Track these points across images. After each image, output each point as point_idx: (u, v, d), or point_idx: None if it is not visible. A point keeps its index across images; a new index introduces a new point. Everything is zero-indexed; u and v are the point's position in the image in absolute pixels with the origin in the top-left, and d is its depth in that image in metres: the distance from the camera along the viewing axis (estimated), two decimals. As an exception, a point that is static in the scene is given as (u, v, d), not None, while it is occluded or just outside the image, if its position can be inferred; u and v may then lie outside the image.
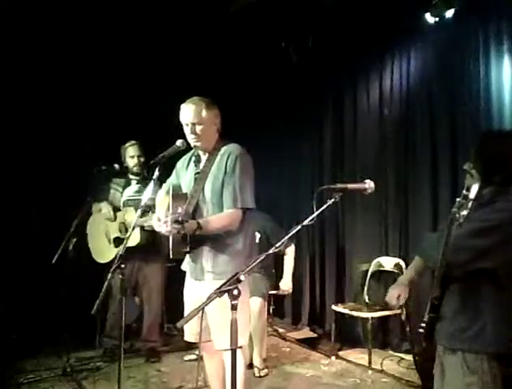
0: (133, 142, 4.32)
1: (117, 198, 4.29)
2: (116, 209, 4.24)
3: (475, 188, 1.84)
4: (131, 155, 4.29)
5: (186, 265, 2.74)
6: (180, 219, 2.33)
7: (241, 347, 2.53)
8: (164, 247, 4.19)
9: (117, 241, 4.16)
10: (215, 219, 2.55)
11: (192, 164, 2.72)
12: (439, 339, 1.99)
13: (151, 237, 4.03)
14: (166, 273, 4.37)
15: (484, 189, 1.93)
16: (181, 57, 5.01)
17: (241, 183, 2.54)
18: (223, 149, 2.62)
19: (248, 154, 2.64)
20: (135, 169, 4.30)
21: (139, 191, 4.25)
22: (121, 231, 4.18)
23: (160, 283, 4.35)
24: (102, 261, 4.19)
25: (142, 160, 4.28)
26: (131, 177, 4.34)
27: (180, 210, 2.38)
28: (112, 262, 4.05)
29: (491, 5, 3.75)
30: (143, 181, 4.28)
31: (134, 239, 3.91)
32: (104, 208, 4.23)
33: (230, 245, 2.56)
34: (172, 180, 2.83)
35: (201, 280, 2.61)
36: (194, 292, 2.66)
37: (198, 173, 2.66)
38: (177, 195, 2.60)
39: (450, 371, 1.94)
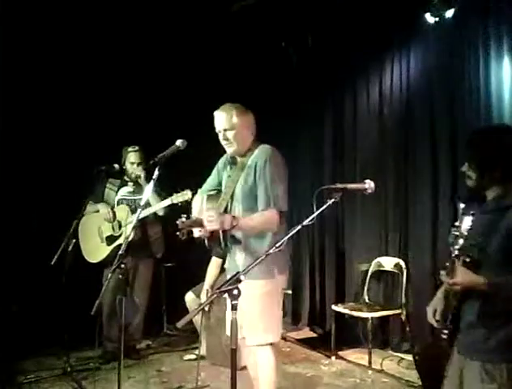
0: (136, 148, 4.32)
1: (112, 198, 4.32)
2: (111, 208, 4.27)
3: (467, 220, 1.82)
4: (132, 161, 4.30)
5: (226, 264, 2.80)
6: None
7: (272, 344, 2.55)
8: (154, 245, 4.31)
9: (110, 239, 4.19)
10: (253, 218, 2.57)
11: (228, 165, 2.79)
12: (459, 347, 1.97)
13: (141, 234, 4.12)
14: (155, 271, 4.46)
15: (488, 188, 1.93)
16: (180, 58, 5.01)
17: (272, 186, 2.58)
18: (255, 152, 2.68)
19: (279, 156, 2.71)
20: (133, 176, 4.32)
21: (134, 192, 4.32)
22: (114, 229, 4.21)
23: (149, 281, 4.39)
24: (94, 260, 4.21)
25: (142, 167, 4.27)
26: (127, 179, 4.36)
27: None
28: (105, 259, 4.12)
29: (491, 5, 3.75)
30: (139, 184, 4.31)
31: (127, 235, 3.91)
32: (103, 209, 4.23)
33: (258, 248, 2.58)
34: (211, 179, 2.89)
35: None
36: None
37: (230, 176, 2.73)
38: (211, 197, 2.72)
39: (469, 378, 1.91)
